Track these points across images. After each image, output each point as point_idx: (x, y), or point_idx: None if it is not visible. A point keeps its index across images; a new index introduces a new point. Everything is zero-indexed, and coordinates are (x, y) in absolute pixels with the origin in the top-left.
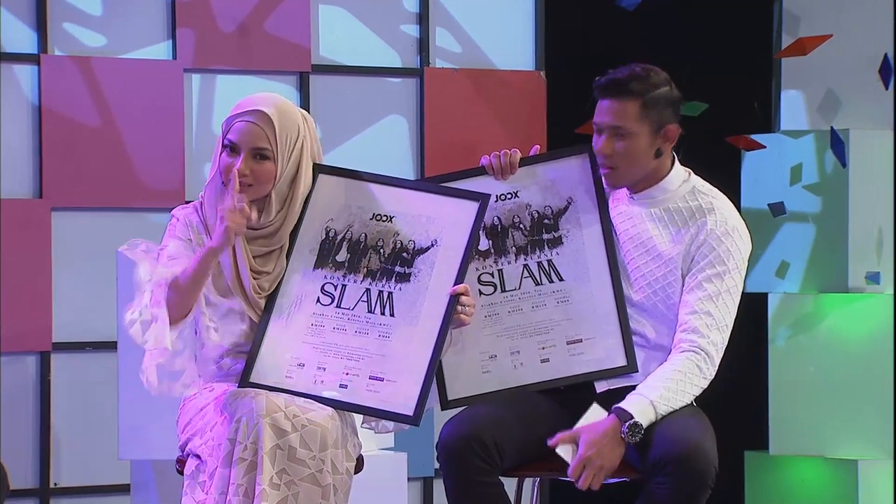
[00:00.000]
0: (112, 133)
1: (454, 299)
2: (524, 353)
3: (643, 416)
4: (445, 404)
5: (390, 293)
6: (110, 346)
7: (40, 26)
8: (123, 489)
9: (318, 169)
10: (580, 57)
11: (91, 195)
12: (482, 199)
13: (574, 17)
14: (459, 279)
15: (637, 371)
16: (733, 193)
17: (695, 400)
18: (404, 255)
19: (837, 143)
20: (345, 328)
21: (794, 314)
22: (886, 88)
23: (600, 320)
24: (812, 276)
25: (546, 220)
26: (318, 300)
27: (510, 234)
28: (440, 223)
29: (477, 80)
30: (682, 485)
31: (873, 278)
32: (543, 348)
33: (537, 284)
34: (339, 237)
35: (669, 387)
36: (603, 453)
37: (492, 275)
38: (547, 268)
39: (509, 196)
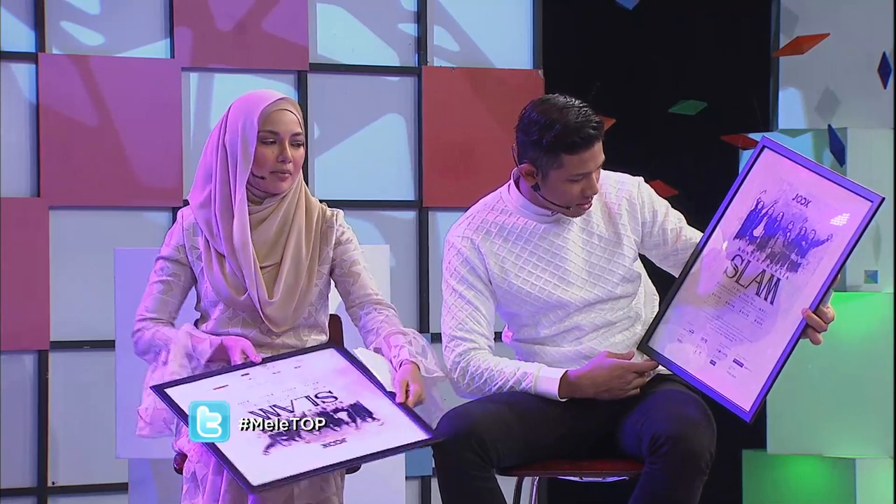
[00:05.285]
0: (110, 132)
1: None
2: (708, 343)
3: None
4: (642, 346)
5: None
6: (108, 344)
7: (38, 25)
8: (121, 488)
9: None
10: (578, 55)
11: (89, 194)
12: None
13: (572, 16)
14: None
15: (748, 422)
16: None
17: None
18: (803, 243)
19: (835, 142)
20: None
21: None
22: (885, 87)
23: (762, 359)
24: None
25: (803, 242)
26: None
27: (776, 236)
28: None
29: (475, 78)
30: (676, 464)
31: (872, 277)
32: (719, 351)
33: (756, 294)
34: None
35: None
36: None
37: (742, 260)
38: (773, 285)
39: (803, 201)
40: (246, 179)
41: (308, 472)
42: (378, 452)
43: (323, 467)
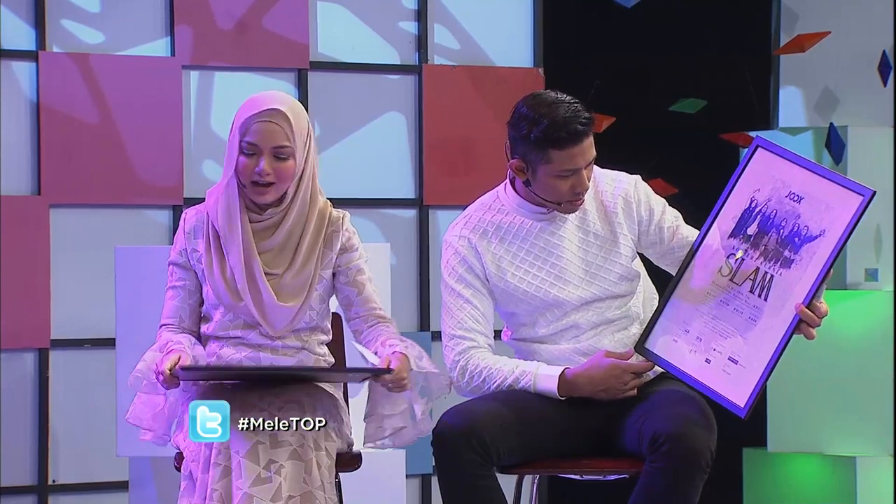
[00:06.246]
0: (110, 130)
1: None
2: (703, 342)
3: None
4: (638, 347)
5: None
6: (108, 342)
7: (39, 23)
8: (122, 486)
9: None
10: (578, 54)
11: (89, 192)
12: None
13: (572, 14)
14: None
15: (743, 419)
16: None
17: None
18: (796, 239)
19: (836, 141)
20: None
21: None
22: (885, 85)
23: (757, 356)
24: None
25: (796, 238)
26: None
27: (769, 233)
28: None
29: (475, 76)
30: (677, 463)
31: (872, 275)
32: (714, 349)
33: (750, 291)
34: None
35: None
36: None
37: (737, 259)
38: (767, 282)
39: (796, 198)
40: (227, 183)
41: (241, 368)
42: (322, 369)
43: (258, 367)
